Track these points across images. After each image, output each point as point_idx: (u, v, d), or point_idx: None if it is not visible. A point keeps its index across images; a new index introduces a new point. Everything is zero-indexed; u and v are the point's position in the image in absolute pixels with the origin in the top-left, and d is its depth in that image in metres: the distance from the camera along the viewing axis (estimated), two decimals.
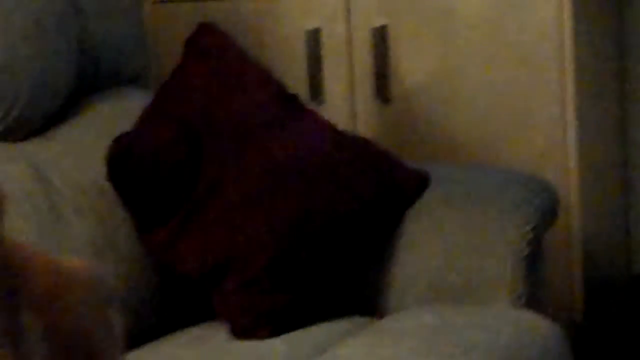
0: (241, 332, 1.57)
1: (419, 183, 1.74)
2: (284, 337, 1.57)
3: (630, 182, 2.43)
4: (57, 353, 0.48)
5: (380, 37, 2.10)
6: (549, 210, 1.79)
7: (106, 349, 0.48)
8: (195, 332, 1.65)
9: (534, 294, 1.73)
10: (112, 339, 0.49)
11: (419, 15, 2.11)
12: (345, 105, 2.17)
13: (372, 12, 2.11)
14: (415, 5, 2.10)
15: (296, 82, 1.96)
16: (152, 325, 1.62)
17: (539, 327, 1.62)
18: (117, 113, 1.74)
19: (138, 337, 1.50)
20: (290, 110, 1.76)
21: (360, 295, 1.72)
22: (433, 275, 1.68)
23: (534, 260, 1.72)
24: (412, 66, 2.14)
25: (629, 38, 2.35)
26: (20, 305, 0.46)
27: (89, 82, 1.82)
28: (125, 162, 1.67)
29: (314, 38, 2.12)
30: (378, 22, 2.10)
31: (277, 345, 1.55)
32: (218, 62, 1.77)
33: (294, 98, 1.79)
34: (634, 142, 2.36)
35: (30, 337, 0.43)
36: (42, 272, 0.50)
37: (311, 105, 1.91)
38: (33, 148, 1.64)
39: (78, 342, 0.48)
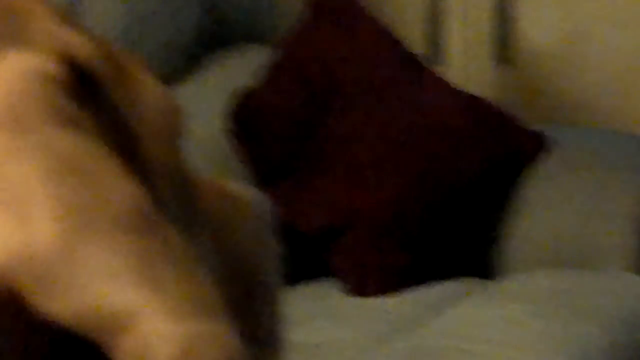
0: (357, 289, 1.58)
1: (536, 145, 1.73)
2: (399, 296, 1.59)
3: None
4: (224, 268, 0.48)
5: None
6: None
7: (265, 275, 0.49)
8: (309, 288, 1.66)
9: None
10: (272, 266, 0.50)
11: None
12: (464, 66, 2.17)
13: None
14: None
15: (415, 42, 1.97)
16: None
17: None
18: (241, 69, 1.77)
19: None
20: (411, 71, 1.77)
21: (475, 258, 1.72)
22: (549, 239, 1.67)
23: None
24: (535, 29, 2.12)
25: None
26: (196, 219, 0.47)
27: (215, 38, 1.85)
28: (249, 116, 1.70)
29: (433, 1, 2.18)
30: None
31: (391, 303, 1.57)
32: (344, 22, 1.80)
33: (415, 59, 1.80)
34: None
35: (204, 248, 0.44)
36: (211, 193, 0.51)
37: (431, 66, 1.91)
38: None
39: (241, 263, 0.49)
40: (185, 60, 1.70)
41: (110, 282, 0.26)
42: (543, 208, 1.70)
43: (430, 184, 1.68)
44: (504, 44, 2.15)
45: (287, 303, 1.64)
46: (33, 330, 0.29)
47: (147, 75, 0.35)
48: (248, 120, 1.71)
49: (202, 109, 1.70)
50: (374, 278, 1.62)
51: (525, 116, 1.87)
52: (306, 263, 1.71)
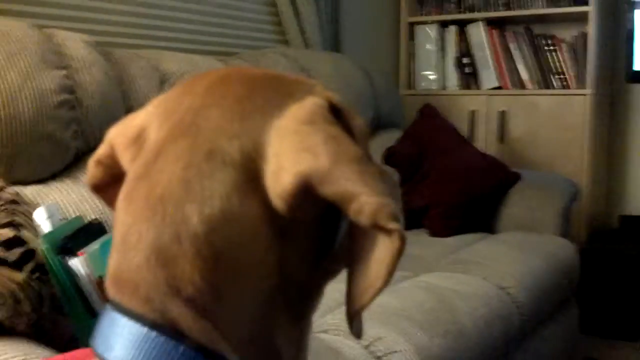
0: (435, 234, 2.04)
1: (515, 177, 2.16)
2: (454, 237, 2.01)
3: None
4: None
5: (502, 115, 2.62)
6: (574, 193, 2.18)
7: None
8: (412, 233, 2.05)
9: (566, 230, 2.09)
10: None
11: (520, 106, 2.57)
12: (485, 144, 2.65)
13: (499, 103, 2.63)
14: (518, 102, 2.56)
15: (463, 133, 2.38)
16: None
17: (566, 247, 1.97)
18: (385, 139, 2.21)
19: None
20: (463, 143, 2.24)
21: (487, 224, 2.12)
22: (519, 217, 2.08)
23: (566, 215, 2.11)
24: (516, 129, 2.57)
25: None
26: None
27: (375, 125, 2.25)
28: (391, 158, 2.14)
29: (473, 114, 2.67)
30: (501, 108, 2.62)
31: (451, 241, 1.97)
32: (434, 120, 2.30)
33: (464, 138, 2.28)
34: None
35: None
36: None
37: (470, 143, 2.29)
38: None
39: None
40: None
41: (350, 182, 0.41)
42: (518, 204, 2.09)
43: (468, 191, 2.05)
44: (502, 134, 2.61)
45: None
46: (316, 202, 0.42)
47: (355, 113, 0.46)
48: (391, 159, 2.12)
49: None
50: (443, 230, 2.04)
51: (511, 164, 2.22)
52: (411, 222, 2.08)
